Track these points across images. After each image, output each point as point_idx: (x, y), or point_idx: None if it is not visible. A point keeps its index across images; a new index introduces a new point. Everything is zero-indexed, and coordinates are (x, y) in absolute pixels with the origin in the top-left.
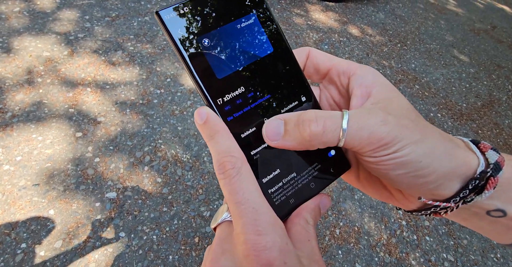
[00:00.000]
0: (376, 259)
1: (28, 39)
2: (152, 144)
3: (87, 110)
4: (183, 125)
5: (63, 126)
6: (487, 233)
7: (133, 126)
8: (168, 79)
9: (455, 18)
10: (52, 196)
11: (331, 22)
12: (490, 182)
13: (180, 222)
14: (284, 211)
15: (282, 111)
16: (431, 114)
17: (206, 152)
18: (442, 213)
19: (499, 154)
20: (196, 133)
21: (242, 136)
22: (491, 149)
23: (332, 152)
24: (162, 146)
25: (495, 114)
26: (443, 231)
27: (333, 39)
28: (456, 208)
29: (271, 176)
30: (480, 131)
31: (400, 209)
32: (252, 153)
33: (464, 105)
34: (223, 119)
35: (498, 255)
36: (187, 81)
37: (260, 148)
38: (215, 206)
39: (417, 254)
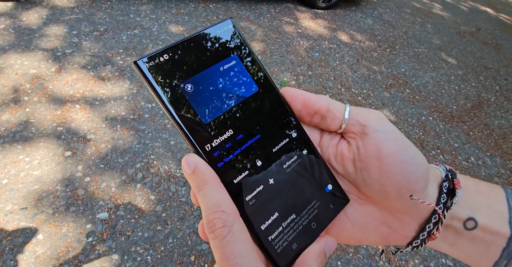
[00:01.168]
0: None
1: (13, 57)
2: (144, 160)
3: (76, 128)
4: (176, 139)
5: (51, 146)
6: (473, 260)
7: (124, 143)
8: None
9: (441, 22)
10: (40, 219)
11: (321, 29)
12: (455, 182)
13: (175, 240)
14: (287, 259)
15: (273, 150)
16: (423, 118)
17: None
18: (434, 233)
19: (442, 164)
20: (189, 147)
21: (235, 181)
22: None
23: (330, 187)
24: (154, 162)
25: (485, 115)
26: None
27: (323, 46)
28: (444, 218)
29: (270, 221)
30: (471, 132)
31: (398, 249)
32: (247, 199)
33: (455, 107)
34: (213, 166)
35: None
36: None
37: (255, 192)
38: None
39: (416, 261)
